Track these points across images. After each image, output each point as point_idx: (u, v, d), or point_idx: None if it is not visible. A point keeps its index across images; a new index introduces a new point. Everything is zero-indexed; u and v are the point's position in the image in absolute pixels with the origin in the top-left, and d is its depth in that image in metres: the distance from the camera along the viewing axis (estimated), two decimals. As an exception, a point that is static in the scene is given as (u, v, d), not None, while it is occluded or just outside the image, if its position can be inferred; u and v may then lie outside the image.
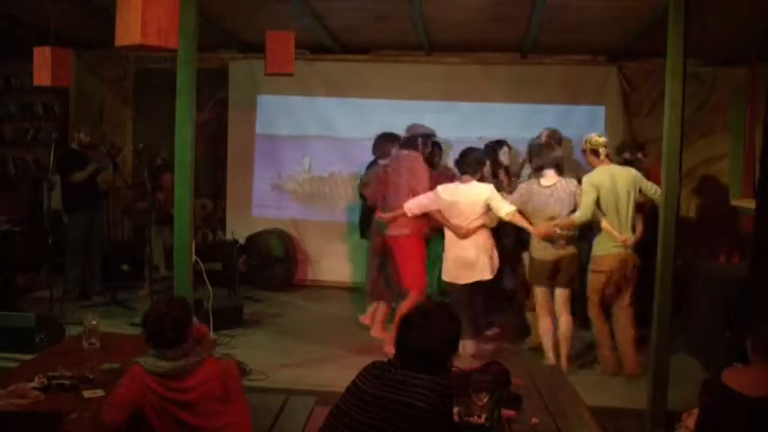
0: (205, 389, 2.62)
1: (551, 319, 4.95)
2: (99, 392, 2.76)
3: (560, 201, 4.86)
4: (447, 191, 5.00)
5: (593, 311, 4.93)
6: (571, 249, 4.89)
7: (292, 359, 5.10)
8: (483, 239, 4.93)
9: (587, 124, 7.20)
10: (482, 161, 5.07)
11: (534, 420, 2.68)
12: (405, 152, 5.41)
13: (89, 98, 8.01)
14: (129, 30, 3.14)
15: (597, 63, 7.40)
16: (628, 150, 5.52)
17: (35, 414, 2.53)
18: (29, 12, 6.08)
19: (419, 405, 2.14)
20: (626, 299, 4.86)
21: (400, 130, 6.21)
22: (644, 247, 4.85)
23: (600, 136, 4.91)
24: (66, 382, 2.75)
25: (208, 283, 5.50)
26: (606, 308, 4.93)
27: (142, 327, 2.69)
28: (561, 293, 4.91)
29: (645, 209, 4.97)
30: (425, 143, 5.58)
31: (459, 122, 7.54)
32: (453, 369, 2.49)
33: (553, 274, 4.90)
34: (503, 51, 7.35)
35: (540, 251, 4.91)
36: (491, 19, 6.04)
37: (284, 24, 5.22)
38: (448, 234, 5.02)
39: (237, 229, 7.25)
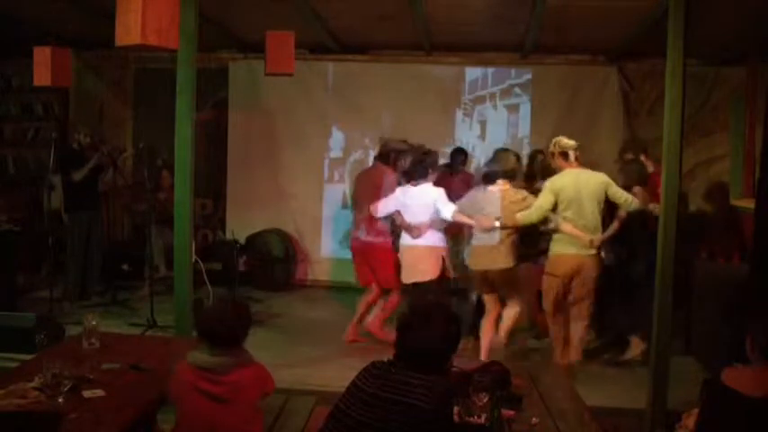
0: (239, 387, 2.65)
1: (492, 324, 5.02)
2: (99, 392, 2.76)
3: (499, 203, 4.84)
4: (403, 193, 5.13)
5: (548, 320, 4.84)
6: (502, 264, 4.83)
7: (292, 359, 5.09)
8: (433, 241, 5.03)
9: (587, 124, 7.22)
10: (432, 165, 5.13)
11: (534, 420, 2.68)
12: (377, 165, 5.67)
13: (89, 98, 8.01)
14: (129, 30, 3.14)
15: (597, 63, 7.40)
16: (630, 151, 5.48)
17: (35, 414, 2.53)
18: (29, 12, 6.09)
19: (419, 405, 2.14)
20: (583, 310, 4.74)
21: (400, 131, 6.24)
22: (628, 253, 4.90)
23: (569, 139, 4.80)
24: (67, 381, 2.75)
25: (208, 283, 5.51)
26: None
27: (197, 321, 2.77)
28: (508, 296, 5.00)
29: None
30: (397, 159, 5.55)
31: (459, 122, 7.56)
32: (453, 369, 2.49)
33: (488, 283, 4.96)
34: (503, 51, 7.36)
35: (472, 263, 4.98)
36: (491, 19, 6.04)
37: (284, 24, 5.23)
38: (403, 235, 5.14)
39: (237, 229, 7.25)
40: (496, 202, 4.85)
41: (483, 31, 6.56)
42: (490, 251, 4.84)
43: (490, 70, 7.56)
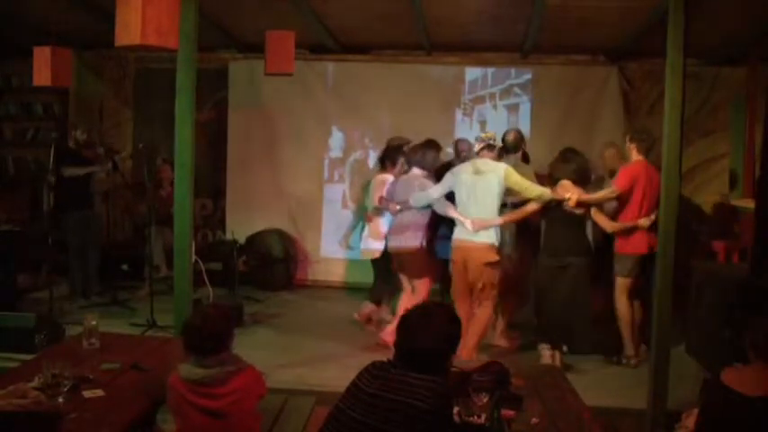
0: (237, 398, 2.62)
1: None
2: (99, 392, 2.76)
3: (408, 187, 5.23)
4: None
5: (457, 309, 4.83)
6: (409, 244, 5.16)
7: (292, 359, 5.09)
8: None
9: (587, 124, 7.22)
10: (391, 158, 5.71)
11: (534, 420, 2.67)
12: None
13: (89, 98, 8.01)
14: (129, 30, 3.15)
15: (597, 63, 7.40)
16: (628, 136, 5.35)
17: (35, 414, 2.53)
18: (29, 12, 6.09)
19: (419, 405, 2.14)
20: (484, 298, 4.82)
21: (400, 131, 6.23)
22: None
23: (484, 132, 5.10)
24: (67, 381, 2.75)
25: (208, 283, 5.52)
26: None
27: (181, 334, 2.72)
28: (416, 282, 5.27)
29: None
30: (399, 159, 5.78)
31: (459, 122, 7.56)
32: (453, 369, 2.49)
33: (403, 267, 5.33)
34: (503, 51, 7.36)
35: (389, 246, 5.40)
36: (491, 19, 6.05)
37: (284, 24, 5.23)
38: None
39: (237, 229, 7.25)
40: (403, 189, 5.28)
41: (483, 31, 6.56)
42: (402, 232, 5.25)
43: (490, 70, 7.55)
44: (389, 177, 5.67)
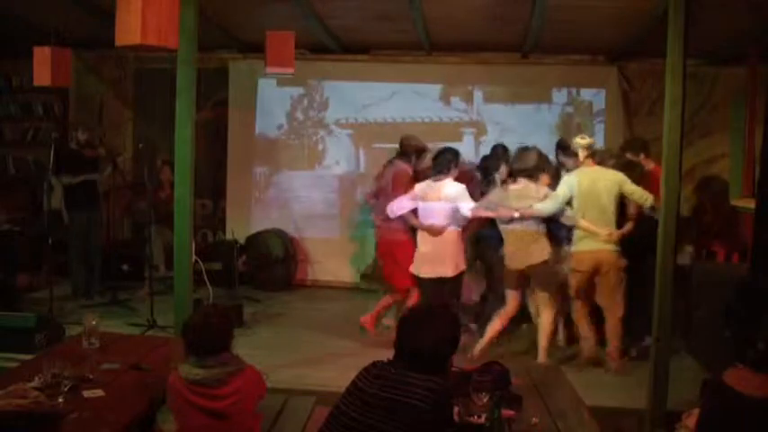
0: (238, 399, 2.62)
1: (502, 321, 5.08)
2: (99, 392, 2.76)
3: (523, 199, 4.93)
4: (422, 190, 5.24)
5: (577, 312, 5.02)
6: (538, 257, 4.90)
7: (292, 359, 5.10)
8: (452, 238, 5.15)
9: (587, 124, 7.22)
10: (454, 161, 5.20)
11: (534, 420, 2.68)
12: (398, 162, 5.65)
13: (89, 98, 8.01)
14: (129, 30, 3.15)
15: (597, 63, 7.40)
16: (630, 150, 5.53)
17: (35, 414, 2.53)
18: (29, 12, 6.09)
19: (419, 405, 2.14)
20: (612, 304, 4.88)
21: (400, 131, 6.24)
22: (634, 248, 4.93)
23: (582, 138, 4.99)
24: (67, 381, 2.75)
25: (208, 283, 5.51)
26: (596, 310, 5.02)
27: (181, 335, 2.71)
28: (541, 296, 5.03)
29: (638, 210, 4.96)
30: (419, 157, 5.69)
31: (459, 122, 7.56)
32: (453, 369, 2.49)
33: (523, 281, 5.03)
34: (503, 51, 7.35)
35: (509, 261, 5.02)
36: (491, 19, 6.04)
37: (284, 24, 5.23)
38: (420, 231, 5.25)
39: (237, 229, 7.25)
40: (517, 199, 4.95)
41: (483, 31, 6.56)
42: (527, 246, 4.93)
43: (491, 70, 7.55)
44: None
